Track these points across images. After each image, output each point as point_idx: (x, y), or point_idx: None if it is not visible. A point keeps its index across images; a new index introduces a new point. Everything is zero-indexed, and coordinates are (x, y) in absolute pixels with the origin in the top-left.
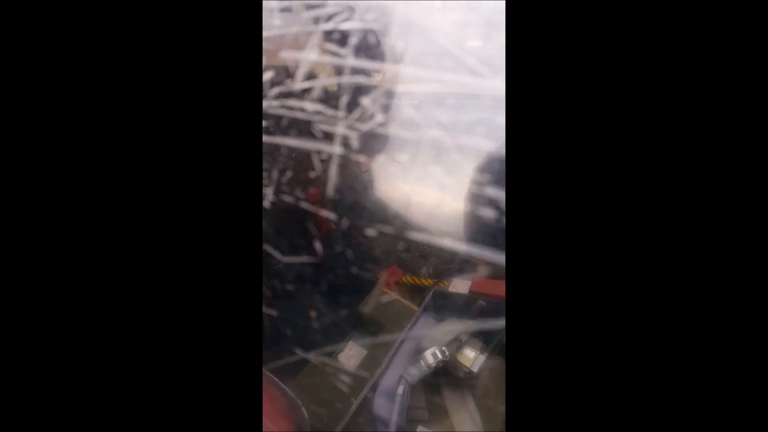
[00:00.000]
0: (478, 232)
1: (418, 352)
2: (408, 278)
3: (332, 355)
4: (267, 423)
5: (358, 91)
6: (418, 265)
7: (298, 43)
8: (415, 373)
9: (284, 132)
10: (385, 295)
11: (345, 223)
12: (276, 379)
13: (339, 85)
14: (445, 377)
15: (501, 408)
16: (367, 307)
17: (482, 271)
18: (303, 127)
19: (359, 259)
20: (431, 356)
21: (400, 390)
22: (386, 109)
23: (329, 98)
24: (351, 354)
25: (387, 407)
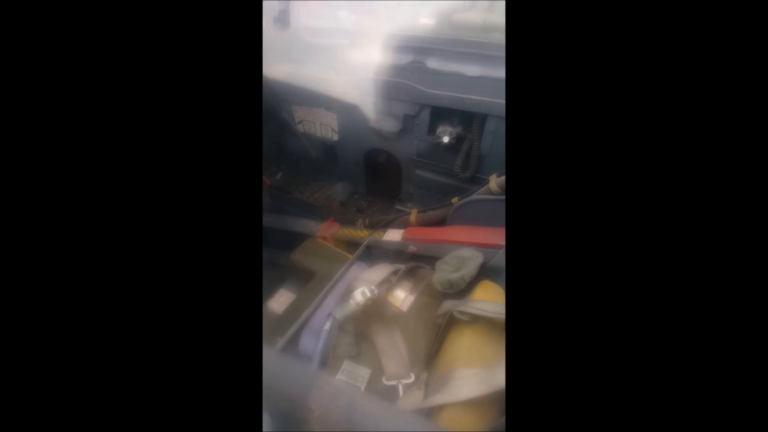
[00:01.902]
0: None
1: (348, 293)
2: (345, 231)
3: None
4: None
5: None
6: (355, 218)
7: None
8: (343, 310)
9: None
10: (319, 245)
11: (280, 178)
12: None
13: None
14: (376, 315)
15: (426, 345)
16: (300, 256)
17: (414, 220)
18: None
19: (296, 214)
20: (360, 294)
21: (327, 326)
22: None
23: None
24: (281, 299)
25: (312, 343)
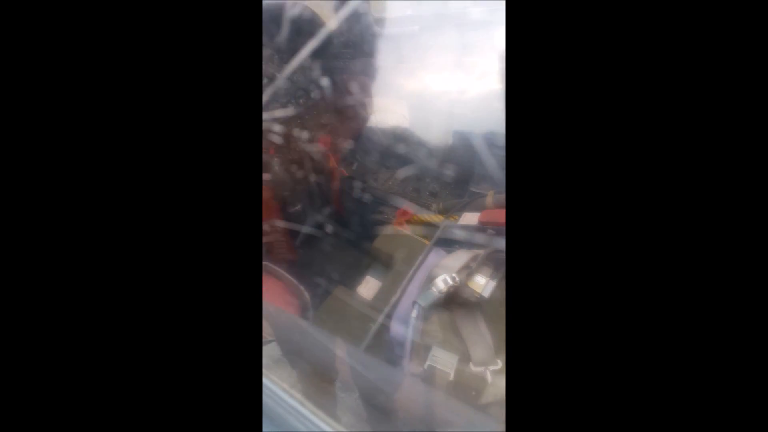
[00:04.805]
0: None
1: (429, 280)
2: (419, 216)
3: (351, 287)
4: (269, 306)
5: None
6: (429, 203)
7: None
8: (427, 298)
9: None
10: (397, 232)
11: (355, 169)
12: (276, 267)
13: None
14: (458, 302)
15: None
16: (381, 244)
17: (491, 203)
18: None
19: (373, 203)
20: (442, 282)
21: (414, 314)
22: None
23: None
24: (368, 286)
25: (402, 330)
